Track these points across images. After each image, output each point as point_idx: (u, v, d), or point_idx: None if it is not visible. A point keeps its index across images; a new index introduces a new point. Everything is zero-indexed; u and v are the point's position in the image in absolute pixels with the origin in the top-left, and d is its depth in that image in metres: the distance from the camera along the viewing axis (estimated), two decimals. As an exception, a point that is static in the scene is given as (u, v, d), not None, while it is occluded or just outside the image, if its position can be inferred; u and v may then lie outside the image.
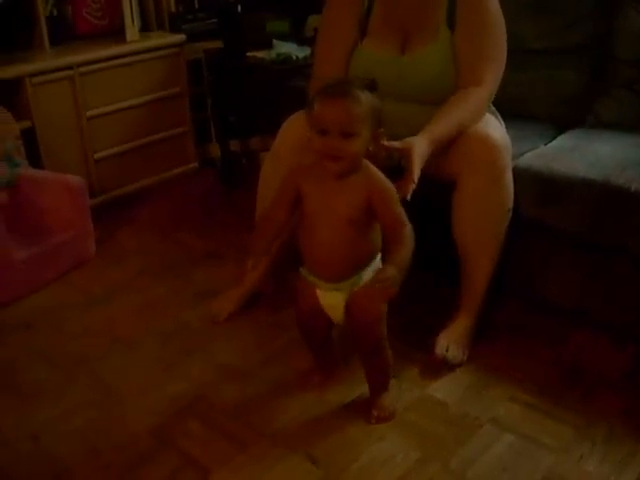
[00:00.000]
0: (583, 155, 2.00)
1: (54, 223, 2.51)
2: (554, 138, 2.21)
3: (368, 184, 1.52)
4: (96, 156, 2.92)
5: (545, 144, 2.16)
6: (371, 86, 1.52)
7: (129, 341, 2.08)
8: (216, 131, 3.34)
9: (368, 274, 1.59)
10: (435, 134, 1.78)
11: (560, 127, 2.29)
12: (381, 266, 1.58)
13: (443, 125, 1.81)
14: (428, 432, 1.67)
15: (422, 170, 1.73)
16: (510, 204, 1.90)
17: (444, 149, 1.82)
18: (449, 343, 1.87)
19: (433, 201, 1.97)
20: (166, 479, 1.57)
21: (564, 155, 2.01)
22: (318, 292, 1.63)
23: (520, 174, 1.93)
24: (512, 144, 1.93)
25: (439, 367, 1.86)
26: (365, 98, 1.47)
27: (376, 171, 1.54)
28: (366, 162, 1.53)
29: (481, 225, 1.87)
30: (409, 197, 1.68)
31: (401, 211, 1.53)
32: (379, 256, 1.62)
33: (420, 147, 1.72)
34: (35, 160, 2.70)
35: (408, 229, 1.52)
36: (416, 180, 1.67)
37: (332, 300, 1.62)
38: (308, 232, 1.59)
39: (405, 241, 1.50)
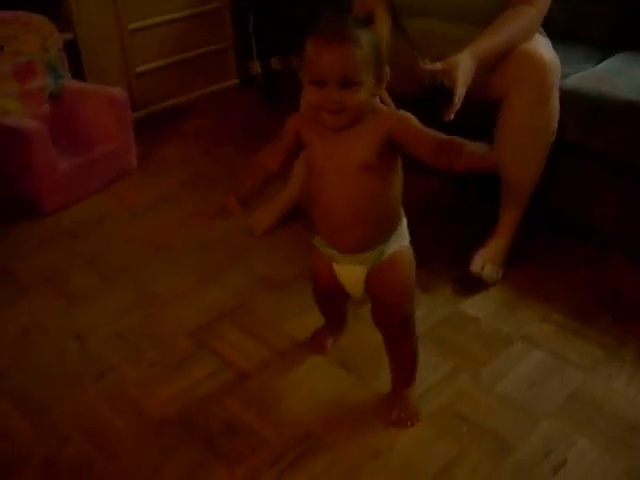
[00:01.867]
0: (631, 78, 1.95)
1: (97, 135, 2.55)
2: (601, 61, 2.15)
3: (383, 123, 1.30)
4: (138, 70, 2.93)
5: (592, 66, 2.11)
6: (367, 21, 1.31)
7: (170, 250, 2.14)
8: (257, 47, 3.31)
9: (394, 244, 1.40)
10: (481, 51, 1.75)
11: (608, 50, 2.23)
12: (407, 234, 1.43)
13: (490, 42, 1.78)
14: (460, 346, 1.72)
15: (468, 90, 1.71)
16: (555, 125, 1.87)
17: (491, 67, 1.80)
18: (485, 262, 1.89)
19: (476, 120, 1.96)
20: (207, 379, 1.65)
21: (611, 78, 1.97)
22: (335, 267, 1.45)
23: (566, 95, 1.90)
24: (559, 65, 1.89)
25: (473, 285, 1.89)
26: (366, 38, 1.25)
27: (385, 108, 1.38)
28: (373, 104, 1.32)
29: (525, 145, 1.86)
30: (452, 117, 1.67)
31: (432, 130, 1.30)
32: (404, 222, 1.43)
33: (464, 66, 1.69)
34: (78, 72, 2.73)
35: (446, 136, 1.28)
36: (460, 101, 1.66)
37: (351, 276, 1.45)
38: (317, 191, 1.38)
39: (456, 139, 1.25)
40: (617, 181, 1.96)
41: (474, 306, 1.84)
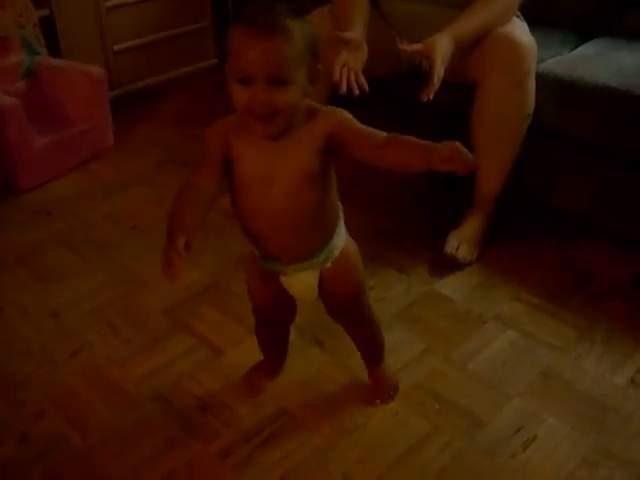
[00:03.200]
0: (606, 63, 1.97)
1: (73, 113, 2.53)
2: (578, 46, 2.17)
3: (322, 124, 1.17)
4: (115, 48, 2.90)
5: (569, 51, 2.13)
6: (301, 8, 1.15)
7: (147, 229, 2.14)
8: (236, 28, 3.29)
9: (339, 240, 1.31)
10: (459, 33, 1.76)
11: (585, 35, 2.24)
12: (344, 225, 1.32)
13: (468, 24, 1.79)
14: (433, 326, 1.74)
15: (445, 73, 1.73)
16: (531, 109, 1.89)
17: (468, 50, 1.81)
18: (459, 243, 1.92)
19: (452, 103, 1.97)
20: (182, 356, 1.66)
21: (587, 62, 1.99)
22: (283, 279, 1.33)
23: (542, 79, 1.91)
24: (536, 49, 1.90)
25: (448, 265, 1.91)
26: (298, 30, 1.09)
27: (320, 106, 1.20)
28: (308, 104, 1.18)
29: (500, 128, 1.87)
30: (431, 98, 1.69)
31: (371, 128, 1.19)
32: (341, 216, 1.33)
33: (442, 47, 1.71)
34: (54, 50, 2.69)
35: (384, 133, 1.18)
36: (439, 81, 1.67)
37: (304, 283, 1.33)
38: (253, 207, 1.21)
39: (400, 135, 1.16)
40: (590, 164, 1.98)
41: (448, 286, 1.87)
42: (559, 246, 2.02)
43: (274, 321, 1.47)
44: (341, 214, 1.31)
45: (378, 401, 1.52)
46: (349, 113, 1.20)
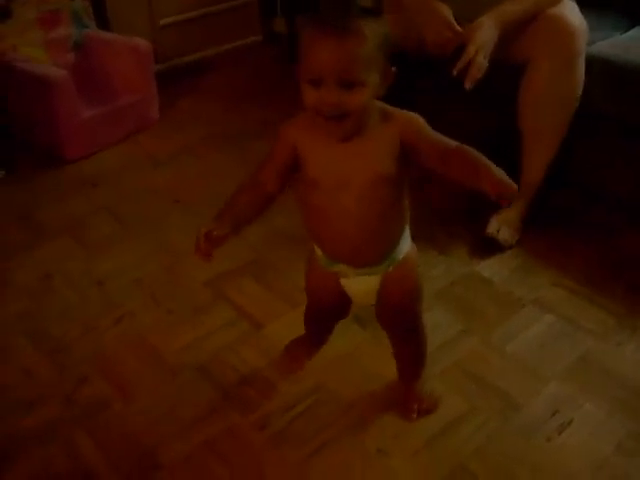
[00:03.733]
0: (659, 47, 1.94)
1: (120, 85, 2.57)
2: (630, 29, 2.13)
3: (397, 127, 1.15)
4: (162, 22, 2.94)
5: (620, 34, 2.09)
6: (375, 10, 1.14)
7: (190, 202, 2.17)
8: (282, 4, 3.29)
9: (404, 246, 1.29)
10: (507, 14, 1.75)
11: (637, 18, 2.20)
12: (408, 232, 1.30)
13: (517, 4, 1.77)
14: (472, 307, 1.74)
15: (492, 54, 1.73)
16: (579, 92, 1.86)
17: (517, 30, 1.79)
18: (501, 225, 1.91)
19: (499, 84, 1.95)
20: (222, 328, 1.69)
21: (638, 45, 1.95)
22: (344, 281, 1.31)
23: (591, 62, 1.88)
24: (587, 31, 1.87)
25: (489, 248, 1.90)
26: (370, 30, 1.06)
27: (394, 109, 1.17)
28: (381, 106, 1.16)
29: (548, 110, 1.85)
30: (470, 86, 1.72)
31: (441, 135, 1.16)
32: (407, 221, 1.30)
33: (482, 33, 1.72)
34: (102, 23, 2.73)
35: (458, 143, 1.14)
36: (478, 70, 1.70)
37: (365, 287, 1.31)
38: (321, 210, 1.20)
39: (470, 149, 1.11)
40: (637, 150, 1.96)
41: (489, 268, 1.86)
42: (601, 233, 1.99)
43: (326, 317, 1.47)
44: (407, 221, 1.28)
45: (415, 415, 1.46)
46: (423, 119, 1.17)
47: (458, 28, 1.76)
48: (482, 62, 1.72)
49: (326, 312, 1.43)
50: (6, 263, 1.94)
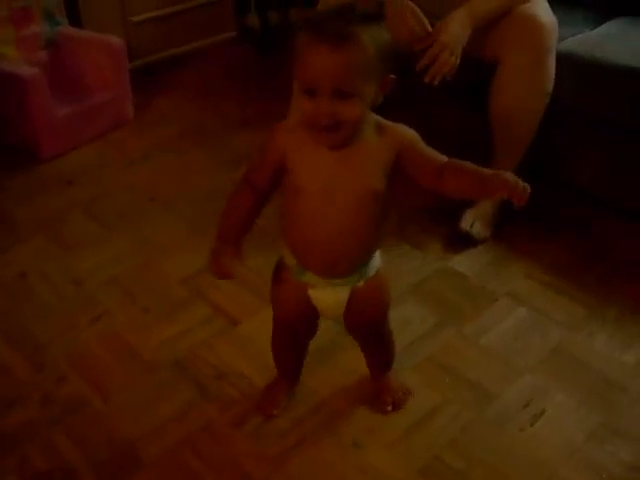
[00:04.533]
0: (627, 43, 1.97)
1: (94, 83, 2.55)
2: (600, 24, 2.16)
3: (392, 142, 1.13)
4: (135, 19, 2.91)
5: (590, 30, 2.12)
6: (376, 14, 1.07)
7: (167, 200, 2.17)
8: (255, 0, 3.28)
9: (378, 259, 1.28)
10: (479, 11, 1.78)
11: (607, 14, 2.23)
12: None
13: (487, 1, 1.79)
14: (446, 301, 1.77)
15: (464, 50, 1.77)
16: (550, 88, 1.89)
17: (489, 27, 1.82)
18: (474, 219, 1.93)
19: (472, 80, 1.98)
20: (199, 325, 1.70)
21: (608, 42, 1.99)
22: (311, 292, 1.27)
23: (561, 58, 1.91)
24: (557, 27, 1.90)
25: (462, 242, 1.93)
26: (370, 38, 1.02)
27: (388, 122, 1.15)
28: (376, 118, 1.14)
29: (519, 106, 1.87)
30: (434, 82, 1.78)
31: (435, 151, 1.17)
32: None
33: (455, 28, 1.76)
34: (75, 20, 2.71)
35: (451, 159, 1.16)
36: (440, 66, 1.77)
37: (333, 298, 1.27)
38: (304, 217, 1.17)
39: (459, 161, 1.15)
40: (608, 143, 1.99)
41: (462, 262, 1.89)
42: (573, 225, 2.03)
43: (294, 333, 1.41)
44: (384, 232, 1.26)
45: (390, 407, 1.47)
46: (416, 133, 1.16)
47: (428, 27, 1.78)
48: (447, 59, 1.77)
49: (294, 328, 1.38)
50: (-19, 263, 1.94)
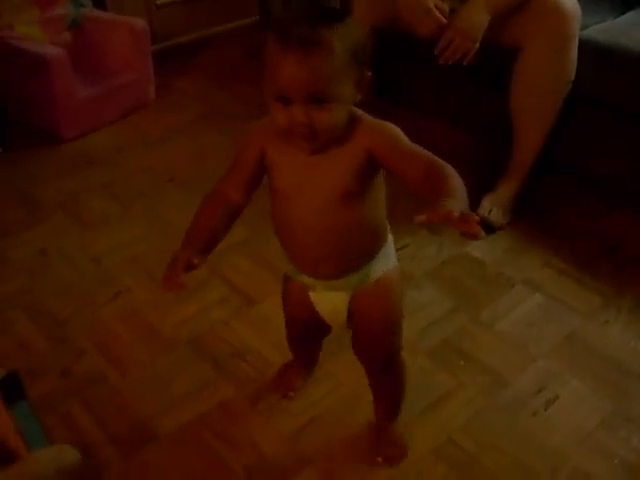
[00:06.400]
0: (652, 31, 1.96)
1: (116, 65, 2.57)
2: (623, 13, 2.15)
3: (363, 139, 1.05)
4: (158, 2, 2.94)
5: (614, 18, 2.11)
6: (341, 11, 1.03)
7: (184, 181, 2.19)
8: (278, -15, 3.29)
9: (379, 266, 1.18)
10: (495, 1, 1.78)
11: (631, 3, 2.22)
12: (394, 254, 1.21)
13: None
14: (463, 286, 1.77)
15: (484, 36, 1.77)
16: (572, 75, 1.88)
17: (510, 14, 1.81)
18: (492, 206, 1.93)
19: (492, 68, 1.98)
20: (216, 304, 1.72)
21: (630, 30, 1.98)
22: (312, 295, 1.23)
23: (584, 46, 1.90)
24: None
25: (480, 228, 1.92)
26: (340, 38, 0.96)
27: (367, 118, 1.08)
28: (352, 113, 1.05)
29: (540, 93, 1.87)
30: (442, 62, 1.83)
31: (417, 146, 1.06)
32: (390, 238, 1.21)
33: (471, 16, 1.78)
34: (99, 2, 2.73)
35: (437, 159, 1.04)
36: (453, 52, 1.80)
37: (331, 304, 1.22)
38: (286, 218, 1.13)
39: (445, 170, 1.01)
40: (628, 132, 1.98)
41: (479, 249, 1.89)
42: (591, 214, 2.02)
43: (302, 332, 1.39)
44: (389, 236, 1.20)
45: (380, 459, 1.37)
46: (397, 128, 1.07)
47: (443, 20, 1.80)
48: (460, 45, 1.79)
49: (302, 329, 1.36)
50: (2, 240, 1.96)
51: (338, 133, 1.03)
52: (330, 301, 1.22)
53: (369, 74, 1.03)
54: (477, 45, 1.79)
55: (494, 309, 1.70)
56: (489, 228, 1.93)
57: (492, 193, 1.96)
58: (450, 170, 1.01)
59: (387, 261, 1.19)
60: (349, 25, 0.99)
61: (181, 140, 2.42)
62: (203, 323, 1.66)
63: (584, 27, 1.96)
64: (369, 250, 1.17)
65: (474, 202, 1.95)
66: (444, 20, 1.81)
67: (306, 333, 1.38)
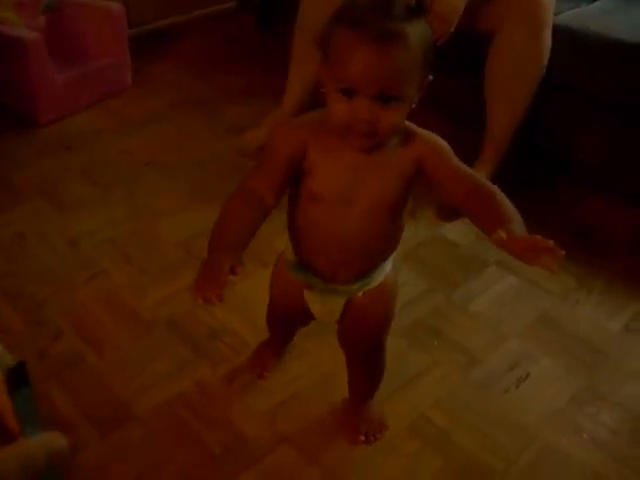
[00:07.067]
0: (623, 18, 1.99)
1: (92, 49, 2.56)
2: (597, -1, 2.18)
3: (415, 149, 1.02)
4: (135, -14, 2.91)
5: (587, 4, 2.14)
6: (419, 8, 0.95)
7: (162, 166, 2.19)
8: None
9: (384, 271, 1.17)
10: None
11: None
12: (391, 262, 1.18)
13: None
14: (437, 267, 1.80)
15: (459, 21, 1.78)
16: (545, 61, 1.91)
17: (484, 0, 1.83)
18: (468, 189, 1.96)
19: (467, 52, 2.00)
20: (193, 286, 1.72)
21: (604, 16, 2.01)
22: (307, 293, 1.20)
23: (557, 32, 1.93)
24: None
25: (455, 211, 1.95)
26: (415, 34, 0.92)
27: (417, 129, 1.05)
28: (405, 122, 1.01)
29: (514, 79, 1.90)
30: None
31: (465, 165, 1.05)
32: None
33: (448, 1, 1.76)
34: (75, -15, 2.70)
35: (487, 182, 1.04)
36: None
37: (328, 305, 1.20)
38: (315, 222, 1.07)
39: (497, 192, 1.02)
40: (601, 121, 2.01)
41: (454, 231, 1.92)
42: (566, 200, 2.06)
43: (287, 323, 1.41)
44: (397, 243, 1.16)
45: (363, 437, 1.37)
46: (447, 145, 1.05)
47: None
48: (437, 29, 1.77)
49: (287, 319, 1.37)
50: (-22, 223, 1.96)
51: (394, 136, 1.00)
52: (326, 303, 1.19)
53: (431, 77, 0.99)
54: (452, 28, 1.81)
55: (468, 290, 1.73)
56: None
57: (467, 177, 1.98)
58: (502, 195, 1.00)
59: (388, 268, 1.18)
60: (423, 23, 0.95)
61: (158, 125, 2.41)
62: (180, 305, 1.67)
63: (557, 12, 1.99)
64: (387, 256, 1.15)
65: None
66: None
67: (289, 320, 1.38)
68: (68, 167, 2.20)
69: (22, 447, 0.88)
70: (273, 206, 1.03)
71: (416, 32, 0.92)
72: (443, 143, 1.05)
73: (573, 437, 1.40)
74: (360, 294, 1.17)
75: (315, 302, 1.20)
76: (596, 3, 2.14)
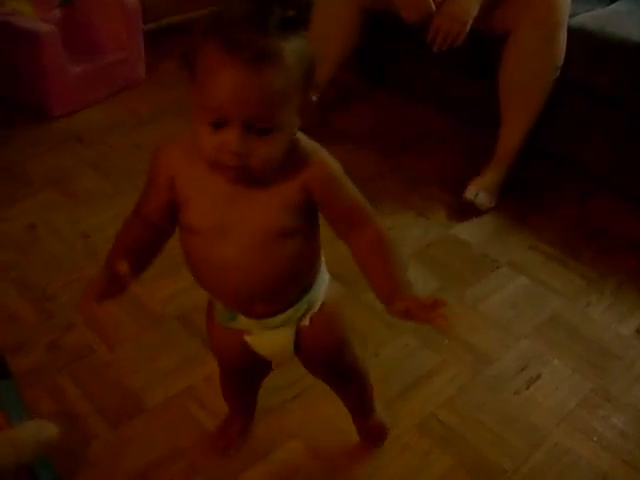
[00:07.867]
0: (639, 20, 1.98)
1: (107, 43, 2.57)
2: (613, 2, 2.17)
3: (304, 176, 0.90)
4: (150, -19, 2.92)
5: (604, 6, 2.13)
6: (300, 18, 0.84)
7: (174, 160, 2.19)
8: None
9: (319, 291, 1.06)
10: None
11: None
12: (325, 270, 1.08)
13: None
14: (448, 267, 1.80)
15: (473, 23, 1.79)
16: (560, 62, 1.91)
17: (499, 1, 1.83)
18: (479, 190, 1.96)
19: (481, 54, 2.00)
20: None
21: (619, 19, 2.00)
22: (249, 339, 1.08)
23: (572, 33, 1.92)
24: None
25: (466, 211, 1.96)
26: (292, 53, 0.80)
27: (303, 142, 0.92)
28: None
29: (528, 79, 1.90)
30: (435, 50, 1.84)
31: (357, 192, 0.95)
32: (322, 260, 1.07)
33: (459, 3, 1.79)
34: (90, -21, 2.71)
35: (378, 224, 0.97)
36: (443, 37, 1.81)
37: (275, 343, 1.09)
38: (205, 257, 0.97)
39: (383, 235, 0.96)
40: (613, 122, 2.01)
41: (465, 231, 1.92)
42: (576, 200, 2.06)
43: (242, 380, 1.26)
44: (322, 261, 1.06)
45: (366, 444, 1.37)
46: (339, 167, 0.94)
47: (433, 8, 1.81)
48: (449, 29, 1.80)
49: (240, 374, 1.23)
50: (-10, 214, 1.97)
51: (274, 164, 0.87)
52: (273, 340, 1.08)
53: (314, 99, 0.88)
54: (467, 28, 1.80)
55: (479, 290, 1.73)
56: (475, 211, 1.95)
57: (479, 177, 1.98)
58: (387, 237, 0.96)
59: (323, 283, 1.07)
60: (303, 38, 0.83)
61: (170, 119, 2.42)
62: (190, 299, 1.66)
63: (573, 14, 1.98)
64: (307, 282, 1.04)
65: (460, 186, 1.98)
66: (434, 8, 1.81)
67: (246, 379, 1.25)
68: (80, 160, 2.21)
69: (11, 433, 0.89)
70: (165, 226, 0.99)
71: (293, 49, 0.80)
72: (334, 167, 0.93)
73: (583, 438, 1.39)
74: (306, 321, 1.07)
75: (262, 345, 1.10)
76: (612, 5, 2.13)
